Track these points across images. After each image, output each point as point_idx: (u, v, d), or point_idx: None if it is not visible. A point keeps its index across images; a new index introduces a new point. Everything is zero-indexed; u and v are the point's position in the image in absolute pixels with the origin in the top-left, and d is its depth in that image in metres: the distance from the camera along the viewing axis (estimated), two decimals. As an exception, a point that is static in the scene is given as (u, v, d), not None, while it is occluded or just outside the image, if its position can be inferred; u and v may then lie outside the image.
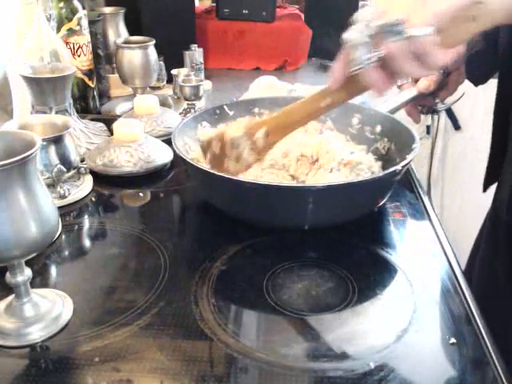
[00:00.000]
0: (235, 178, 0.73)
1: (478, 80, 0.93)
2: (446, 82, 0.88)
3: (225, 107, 0.95)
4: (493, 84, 0.86)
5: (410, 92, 0.89)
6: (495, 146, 0.87)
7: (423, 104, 0.91)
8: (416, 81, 0.88)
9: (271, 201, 0.71)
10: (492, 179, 0.89)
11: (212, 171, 0.74)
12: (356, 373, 0.53)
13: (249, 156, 0.74)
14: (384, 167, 0.86)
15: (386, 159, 0.88)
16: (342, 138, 0.93)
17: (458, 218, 1.99)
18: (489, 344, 0.57)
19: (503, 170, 0.85)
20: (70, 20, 1.09)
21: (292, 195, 0.70)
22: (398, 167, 0.72)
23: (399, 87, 0.89)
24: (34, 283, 0.61)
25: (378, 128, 0.91)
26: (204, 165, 0.78)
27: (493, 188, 0.90)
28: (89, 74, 1.17)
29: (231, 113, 0.95)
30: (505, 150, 0.83)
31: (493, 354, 0.55)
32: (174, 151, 0.80)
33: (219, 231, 0.79)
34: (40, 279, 0.68)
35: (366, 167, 0.84)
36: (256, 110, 0.96)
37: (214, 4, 1.68)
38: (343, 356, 0.56)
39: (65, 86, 0.96)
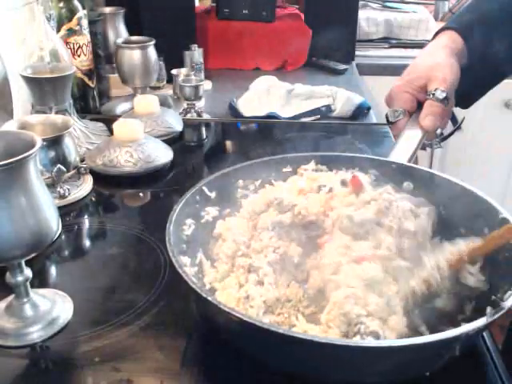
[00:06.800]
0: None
1: (468, 103, 0.90)
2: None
3: (204, 188, 0.70)
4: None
5: (416, 134, 0.77)
6: None
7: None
8: (410, 115, 0.81)
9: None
10: None
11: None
12: None
13: None
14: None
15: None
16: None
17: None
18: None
19: None
20: (69, 20, 1.09)
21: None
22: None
23: (391, 123, 0.81)
24: (33, 283, 0.61)
25: (407, 185, 0.70)
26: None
27: None
28: (89, 73, 1.17)
29: (213, 195, 0.70)
30: None
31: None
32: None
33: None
34: (40, 279, 0.68)
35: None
36: (240, 182, 0.73)
37: (214, 4, 1.68)
38: None
39: (65, 86, 0.96)
